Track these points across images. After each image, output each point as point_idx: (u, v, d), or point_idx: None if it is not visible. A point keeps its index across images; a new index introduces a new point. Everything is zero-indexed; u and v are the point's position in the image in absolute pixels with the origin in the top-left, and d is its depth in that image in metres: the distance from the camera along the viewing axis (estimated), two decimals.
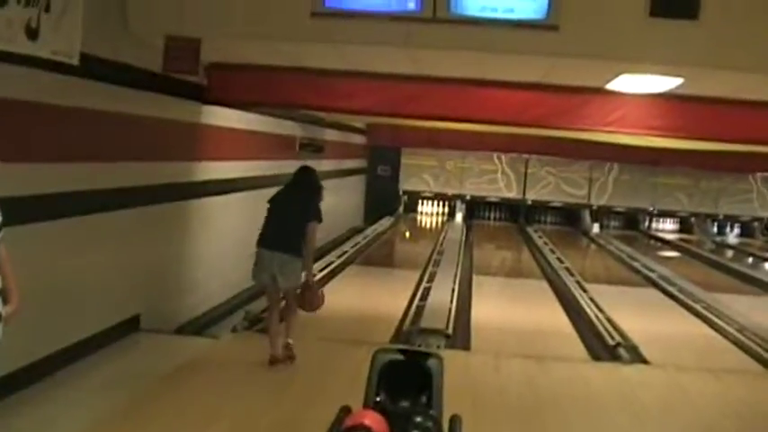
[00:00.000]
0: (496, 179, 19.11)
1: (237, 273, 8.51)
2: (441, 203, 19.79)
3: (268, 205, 5.76)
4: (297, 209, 5.62)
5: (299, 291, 5.77)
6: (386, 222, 17.25)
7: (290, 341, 5.88)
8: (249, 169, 8.98)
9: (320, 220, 5.67)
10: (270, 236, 5.68)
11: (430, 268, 10.97)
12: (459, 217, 19.04)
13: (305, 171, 5.87)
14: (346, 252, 12.02)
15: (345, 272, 10.71)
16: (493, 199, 19.24)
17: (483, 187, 19.11)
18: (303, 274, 5.67)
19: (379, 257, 13.12)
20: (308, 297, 5.74)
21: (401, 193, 19.24)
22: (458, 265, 11.34)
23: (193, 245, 7.50)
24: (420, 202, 19.75)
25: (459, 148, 17.85)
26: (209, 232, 7.78)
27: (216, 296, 7.99)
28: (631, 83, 6.28)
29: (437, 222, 19.06)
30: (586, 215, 19.26)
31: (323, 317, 7.08)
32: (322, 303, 5.86)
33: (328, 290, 8.41)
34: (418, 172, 19.15)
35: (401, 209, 19.33)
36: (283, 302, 5.94)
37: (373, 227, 16.08)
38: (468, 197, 19.22)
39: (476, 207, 19.76)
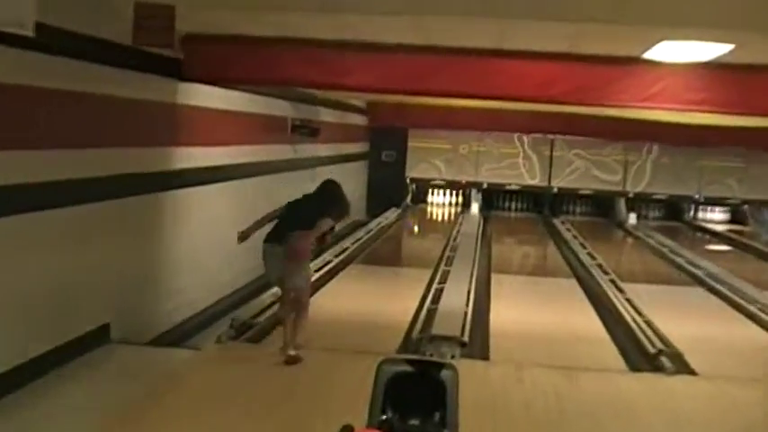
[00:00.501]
0: (517, 164, 19.07)
1: (223, 274, 8.57)
2: (454, 192, 19.75)
3: (284, 208, 6.30)
4: (311, 213, 6.14)
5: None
6: (391, 215, 17.26)
7: (293, 353, 6.02)
8: (235, 155, 9.00)
9: (335, 226, 6.28)
10: (277, 230, 6.16)
11: (442, 267, 10.98)
12: (475, 208, 19.04)
13: (330, 184, 6.38)
14: (347, 249, 12.02)
15: (346, 272, 10.72)
16: (513, 187, 19.23)
17: (502, 173, 19.09)
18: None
19: (385, 255, 13.13)
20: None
21: (408, 181, 19.23)
22: (474, 263, 11.35)
23: (172, 243, 7.51)
24: (430, 191, 19.73)
25: (475, 128, 17.81)
26: (189, 228, 7.81)
27: (198, 301, 8.02)
28: (673, 50, 6.24)
29: (450, 214, 19.02)
30: (621, 204, 19.23)
31: (321, 323, 7.11)
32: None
33: (326, 292, 8.47)
34: (428, 157, 19.14)
35: (408, 199, 19.31)
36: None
37: (377, 220, 16.08)
38: (485, 185, 19.20)
39: (494, 196, 19.69)
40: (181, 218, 7.65)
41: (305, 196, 6.39)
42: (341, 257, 11.36)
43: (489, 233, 15.60)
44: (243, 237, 6.21)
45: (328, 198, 6.31)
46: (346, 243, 12.54)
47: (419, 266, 11.53)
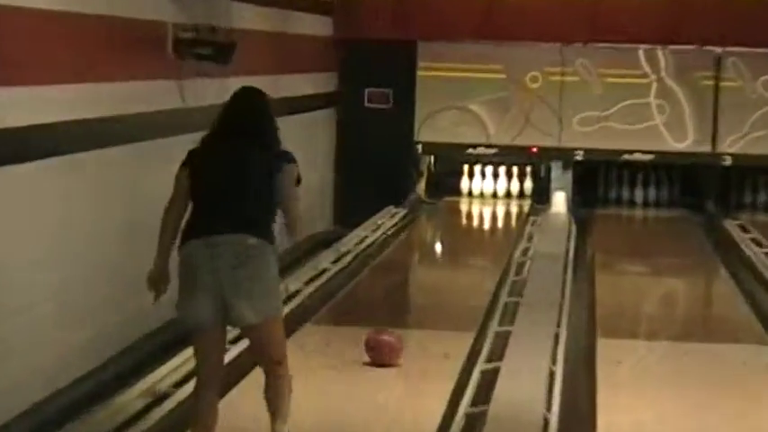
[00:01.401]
0: (648, 109, 19.13)
1: (37, 350, 8.54)
2: (515, 172, 19.90)
3: (185, 173, 6.81)
4: (252, 169, 6.75)
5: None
6: (386, 222, 17.33)
7: None
8: (60, 106, 9.05)
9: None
10: (208, 218, 6.72)
11: (494, 326, 11.05)
12: (559, 201, 19.14)
13: (249, 102, 7.06)
14: (297, 293, 12.02)
15: (298, 338, 10.71)
16: (640, 156, 19.28)
17: (615, 130, 19.18)
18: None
19: (375, 304, 13.19)
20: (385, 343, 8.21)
21: (420, 150, 19.38)
22: (560, 317, 11.41)
23: None
24: (466, 170, 19.88)
25: (554, 38, 18.11)
26: None
27: None
28: None
29: (509, 217, 19.18)
30: None
31: None
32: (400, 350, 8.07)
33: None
34: (458, 98, 19.23)
35: (421, 188, 19.51)
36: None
37: (356, 233, 16.15)
38: (578, 155, 19.33)
39: (600, 176, 19.89)
40: None
41: (214, 139, 6.93)
42: (289, 308, 11.34)
43: (591, 254, 15.70)
44: (158, 281, 6.73)
45: (258, 134, 6.90)
46: (297, 282, 12.53)
47: (447, 327, 11.61)
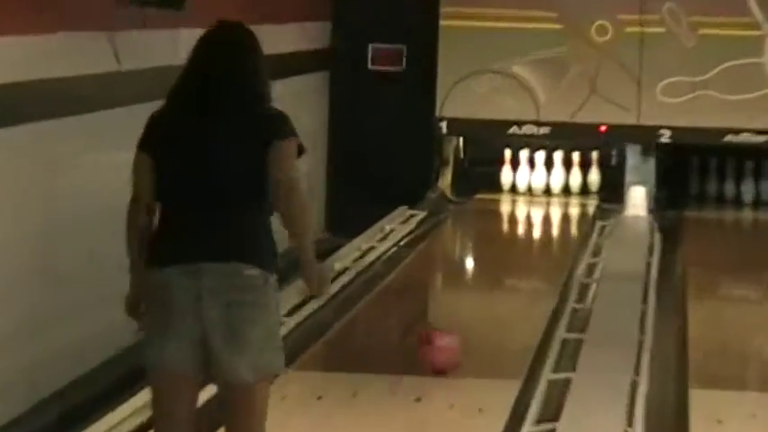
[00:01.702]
0: (760, 72, 19.18)
1: None
2: (576, 160, 20.09)
3: (146, 159, 6.69)
4: (242, 156, 6.60)
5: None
6: (398, 226, 17.51)
7: None
8: None
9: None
10: (184, 232, 6.61)
11: (547, 372, 11.03)
12: (637, 200, 19.26)
13: (229, 45, 6.99)
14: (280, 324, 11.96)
15: (278, 387, 10.60)
16: (747, 138, 19.29)
17: (714, 103, 19.21)
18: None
19: (384, 341, 13.19)
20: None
21: (444, 129, 19.49)
22: (639, 359, 11.38)
23: None
24: (508, 157, 20.04)
25: None
26: None
27: None
28: None
29: (566, 219, 19.43)
30: None
31: None
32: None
33: None
34: (496, 55, 19.35)
35: (445, 180, 19.70)
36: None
37: (358, 242, 16.33)
38: (664, 136, 19.31)
39: (691, 166, 20.02)
40: None
41: (180, 106, 6.75)
42: None
43: (682, 272, 15.73)
44: (136, 306, 6.72)
45: (251, 71, 6.96)
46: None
47: (482, 372, 11.61)
